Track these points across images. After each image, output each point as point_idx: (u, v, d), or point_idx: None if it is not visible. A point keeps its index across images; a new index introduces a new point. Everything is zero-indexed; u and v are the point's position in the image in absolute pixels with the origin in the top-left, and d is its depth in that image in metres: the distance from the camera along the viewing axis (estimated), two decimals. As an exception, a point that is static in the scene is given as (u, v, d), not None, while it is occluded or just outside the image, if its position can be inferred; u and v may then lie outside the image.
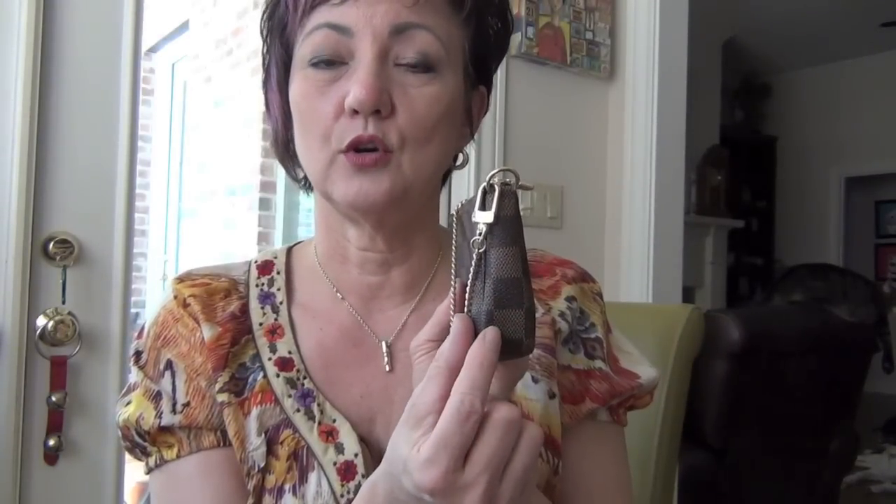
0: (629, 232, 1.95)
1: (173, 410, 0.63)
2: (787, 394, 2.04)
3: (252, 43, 3.62)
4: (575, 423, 0.66)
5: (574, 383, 0.67)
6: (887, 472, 3.67)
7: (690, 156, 2.43)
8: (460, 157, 0.69)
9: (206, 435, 0.63)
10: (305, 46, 0.60)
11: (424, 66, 0.59)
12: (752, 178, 6.18)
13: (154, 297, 4.54)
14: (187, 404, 0.63)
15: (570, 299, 0.69)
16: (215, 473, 0.62)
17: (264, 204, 3.56)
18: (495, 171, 0.48)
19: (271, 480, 0.60)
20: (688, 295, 4.17)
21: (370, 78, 0.57)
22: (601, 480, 0.67)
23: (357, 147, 0.58)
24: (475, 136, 0.71)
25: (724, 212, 5.03)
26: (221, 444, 0.62)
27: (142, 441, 0.64)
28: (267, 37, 0.66)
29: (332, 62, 0.59)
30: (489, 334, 0.46)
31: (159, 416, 0.63)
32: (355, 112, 0.58)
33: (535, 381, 0.64)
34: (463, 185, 1.70)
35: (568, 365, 0.68)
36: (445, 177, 0.72)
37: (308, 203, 3.65)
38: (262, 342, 0.65)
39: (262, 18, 0.66)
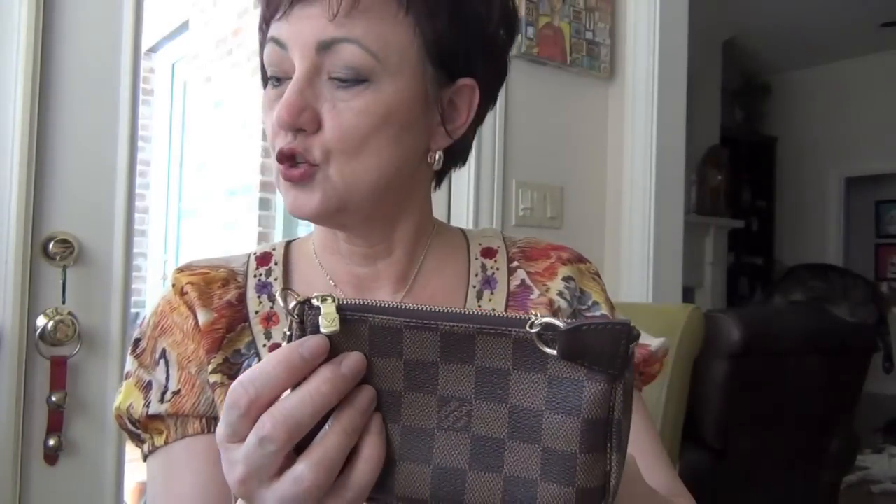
0: (629, 232, 1.95)
1: (161, 399, 0.65)
2: (787, 394, 2.04)
3: (252, 43, 3.61)
4: None
5: None
6: (887, 472, 3.67)
7: (690, 156, 2.43)
8: (437, 156, 0.66)
9: (191, 422, 0.64)
10: (264, 59, 0.63)
11: (352, 79, 0.59)
12: (752, 178, 6.18)
13: (154, 297, 4.54)
14: (177, 392, 0.65)
15: (567, 279, 0.71)
16: (199, 459, 0.64)
17: (264, 204, 3.56)
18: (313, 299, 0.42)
19: None
20: (688, 295, 4.17)
21: (291, 97, 0.58)
22: (635, 449, 0.66)
23: (287, 159, 0.60)
24: (476, 134, 0.70)
25: (724, 212, 5.03)
26: (206, 430, 0.64)
27: (135, 428, 0.66)
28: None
29: (280, 80, 0.61)
30: (350, 358, 0.42)
31: (147, 405, 0.65)
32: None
33: None
34: (463, 187, 1.70)
35: None
36: (441, 177, 0.72)
37: (308, 203, 3.66)
38: (258, 329, 0.67)
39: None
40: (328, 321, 0.41)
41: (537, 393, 0.41)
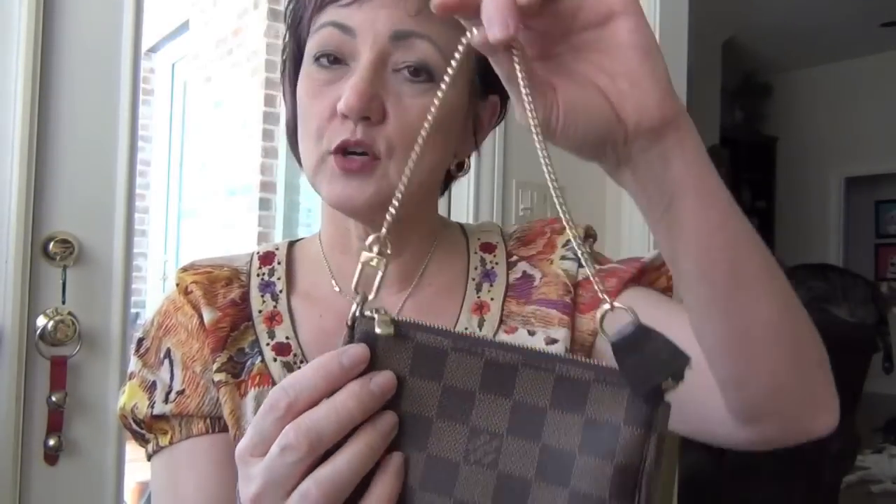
0: (629, 232, 1.95)
1: (166, 400, 0.65)
2: (787, 394, 2.05)
3: (252, 43, 3.61)
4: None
5: (583, 294, 0.70)
6: (887, 472, 3.67)
7: (690, 156, 2.42)
8: (467, 163, 0.70)
9: (195, 422, 0.65)
10: (312, 42, 0.62)
11: (422, 76, 0.59)
12: (752, 178, 6.18)
13: (154, 297, 4.54)
14: (182, 392, 0.65)
15: (566, 244, 0.72)
16: (202, 460, 0.64)
17: (264, 204, 3.56)
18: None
19: None
20: (688, 295, 4.15)
21: (362, 84, 0.57)
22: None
23: (345, 150, 0.59)
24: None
25: (724, 212, 5.03)
26: (210, 430, 0.65)
27: (139, 428, 0.67)
28: (287, 28, 0.68)
29: (336, 60, 0.60)
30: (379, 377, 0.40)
31: (151, 405, 0.65)
32: (346, 116, 0.58)
33: (531, 334, 0.66)
34: (463, 187, 1.70)
35: (578, 282, 0.70)
36: (448, 183, 0.74)
37: (308, 203, 3.65)
38: (261, 328, 0.67)
39: (286, 9, 0.68)
40: (385, 325, 0.40)
41: (572, 434, 0.39)
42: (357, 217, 0.64)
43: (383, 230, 0.43)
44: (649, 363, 0.38)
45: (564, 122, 0.42)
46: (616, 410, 0.39)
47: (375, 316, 0.41)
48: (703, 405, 0.56)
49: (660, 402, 0.39)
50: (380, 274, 0.42)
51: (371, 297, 0.41)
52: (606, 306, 0.40)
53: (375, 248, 0.42)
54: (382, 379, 0.40)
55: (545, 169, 0.41)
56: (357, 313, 0.41)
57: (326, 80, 0.61)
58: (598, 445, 0.39)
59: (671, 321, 0.59)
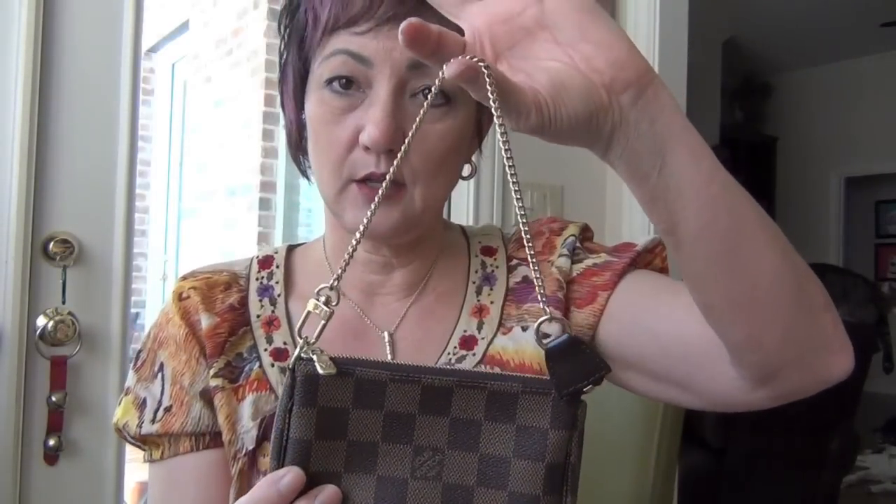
0: (629, 232, 1.95)
1: (153, 419, 0.66)
2: (787, 394, 2.04)
3: (252, 43, 3.61)
4: (600, 313, 0.67)
5: (578, 290, 0.69)
6: (887, 472, 3.67)
7: (690, 156, 2.42)
8: (468, 168, 0.70)
9: (182, 441, 0.66)
10: (324, 68, 0.61)
11: (440, 99, 0.60)
12: (752, 178, 6.17)
13: (154, 297, 4.54)
14: (169, 409, 0.66)
15: (563, 242, 0.71)
16: (186, 479, 0.67)
17: (264, 204, 3.56)
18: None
19: (265, 463, 0.63)
20: (688, 295, 4.15)
21: (386, 119, 0.58)
22: (678, 294, 0.61)
23: (370, 179, 0.60)
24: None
25: (724, 212, 5.02)
26: (194, 448, 0.66)
27: (133, 441, 0.68)
28: (285, 36, 0.67)
29: (350, 83, 0.60)
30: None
31: (140, 425, 0.66)
32: (368, 148, 0.59)
33: (524, 329, 0.67)
34: (463, 188, 1.70)
35: (572, 278, 0.69)
36: None
37: (308, 203, 3.65)
38: (260, 333, 0.67)
39: (281, 15, 0.67)
40: (325, 365, 0.44)
41: (506, 441, 0.45)
42: (378, 240, 0.66)
43: (334, 282, 0.46)
44: (576, 370, 0.43)
45: (555, 107, 0.43)
46: (542, 416, 0.44)
47: (314, 357, 0.44)
48: (713, 379, 0.57)
49: (579, 403, 0.44)
50: (322, 323, 0.45)
51: (313, 340, 0.45)
52: (546, 316, 0.44)
53: (322, 298, 0.45)
54: (326, 497, 0.44)
55: (506, 163, 0.44)
56: (297, 356, 0.45)
57: (342, 107, 0.60)
58: (529, 449, 0.44)
59: (676, 288, 0.60)
